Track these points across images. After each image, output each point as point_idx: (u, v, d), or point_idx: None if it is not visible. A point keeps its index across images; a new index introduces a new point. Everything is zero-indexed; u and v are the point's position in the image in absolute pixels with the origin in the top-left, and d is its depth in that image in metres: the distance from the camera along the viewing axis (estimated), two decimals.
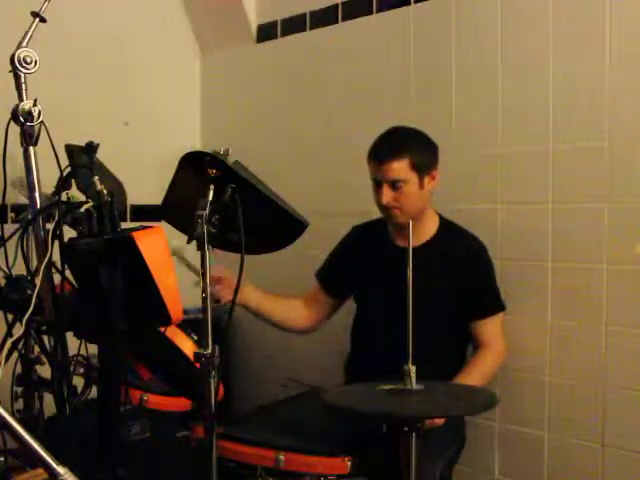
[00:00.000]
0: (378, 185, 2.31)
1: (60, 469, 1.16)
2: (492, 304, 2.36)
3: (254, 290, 2.38)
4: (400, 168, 2.26)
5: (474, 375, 2.23)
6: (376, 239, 2.48)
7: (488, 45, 2.55)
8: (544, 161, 2.42)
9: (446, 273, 2.31)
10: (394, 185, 2.27)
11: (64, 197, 1.70)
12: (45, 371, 1.99)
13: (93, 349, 1.81)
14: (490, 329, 2.35)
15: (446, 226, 2.41)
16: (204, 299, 1.62)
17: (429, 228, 2.38)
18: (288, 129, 3.23)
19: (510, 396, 2.46)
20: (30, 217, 1.68)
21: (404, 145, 2.30)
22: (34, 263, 1.72)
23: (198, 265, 1.66)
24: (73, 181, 1.81)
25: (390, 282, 2.30)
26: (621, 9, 2.24)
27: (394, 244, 2.42)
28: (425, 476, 1.97)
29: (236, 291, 1.68)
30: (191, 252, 1.72)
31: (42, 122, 1.60)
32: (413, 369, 1.67)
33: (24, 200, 1.79)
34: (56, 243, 1.65)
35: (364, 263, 2.48)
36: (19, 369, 2.04)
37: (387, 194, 2.28)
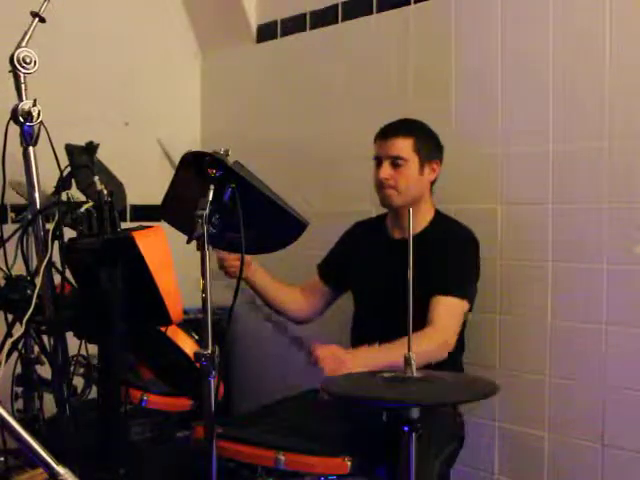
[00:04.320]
0: (378, 163, 2.35)
1: (60, 469, 1.16)
2: (449, 284, 2.25)
3: (261, 269, 2.43)
4: (403, 146, 2.31)
5: (394, 350, 1.99)
6: (374, 233, 2.51)
7: (488, 45, 2.55)
8: (544, 161, 2.42)
9: (432, 262, 2.27)
10: (394, 162, 2.31)
11: (64, 197, 1.70)
12: (45, 371, 1.99)
13: (93, 349, 1.81)
14: (440, 310, 2.21)
15: (440, 219, 2.41)
16: (204, 299, 1.62)
17: (422, 220, 2.38)
18: (288, 129, 3.23)
19: (510, 396, 2.46)
20: (30, 217, 1.69)
21: (412, 127, 2.36)
22: (34, 263, 1.72)
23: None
24: (73, 181, 1.81)
25: (383, 275, 2.31)
26: (621, 9, 2.24)
27: (390, 236, 2.44)
28: (423, 474, 1.97)
29: (236, 290, 1.67)
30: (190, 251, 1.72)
31: (42, 122, 1.60)
32: (413, 356, 1.66)
33: (24, 200, 1.79)
34: (56, 243, 1.65)
35: (361, 257, 2.50)
36: (19, 369, 2.04)
37: (386, 169, 2.32)
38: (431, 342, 2.15)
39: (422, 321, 2.20)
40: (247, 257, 2.25)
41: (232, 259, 2.29)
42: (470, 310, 2.33)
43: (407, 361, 1.66)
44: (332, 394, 1.76)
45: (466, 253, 2.35)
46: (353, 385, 1.76)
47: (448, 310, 2.23)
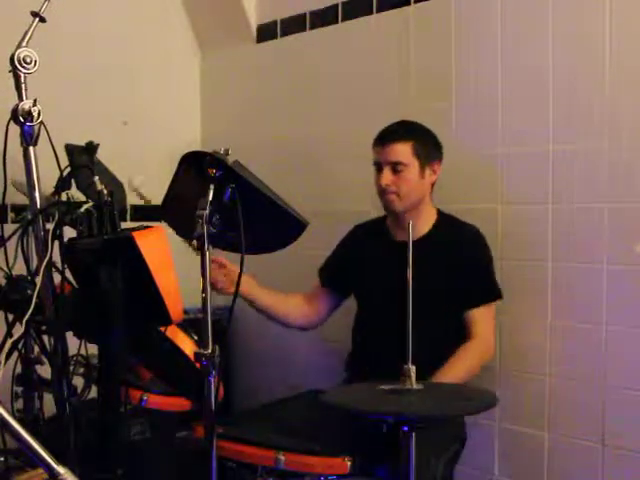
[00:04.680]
0: (379, 169, 2.34)
1: (60, 469, 1.16)
2: (485, 292, 2.34)
3: (255, 283, 2.40)
4: (403, 151, 2.30)
5: (458, 369, 2.21)
6: (376, 236, 2.50)
7: (488, 45, 2.55)
8: (544, 161, 2.42)
9: (443, 265, 2.30)
10: (395, 168, 2.31)
11: (64, 197, 1.70)
12: (45, 371, 1.99)
13: (93, 349, 1.81)
14: (481, 320, 2.31)
15: (444, 219, 2.42)
16: (204, 299, 1.62)
17: (426, 222, 2.39)
18: (288, 129, 3.23)
19: (510, 396, 2.46)
20: (30, 217, 1.68)
21: (409, 131, 2.35)
22: (34, 263, 1.72)
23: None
24: (73, 181, 1.81)
25: (388, 278, 2.31)
26: (621, 9, 2.24)
27: (392, 239, 2.44)
28: (425, 476, 1.97)
29: (237, 286, 1.67)
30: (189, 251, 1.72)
31: (42, 122, 1.60)
32: (413, 369, 1.66)
33: (24, 200, 1.79)
34: (56, 243, 1.65)
35: (364, 260, 2.49)
36: (19, 369, 2.04)
37: (387, 176, 2.31)
38: (480, 355, 2.29)
39: (433, 322, 2.21)
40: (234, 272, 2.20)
41: (217, 273, 2.22)
42: (501, 298, 2.39)
43: (406, 373, 1.66)
44: (333, 406, 1.76)
45: (486, 252, 2.37)
46: (353, 397, 1.76)
47: (484, 319, 2.32)
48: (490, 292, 2.35)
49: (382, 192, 2.34)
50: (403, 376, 1.68)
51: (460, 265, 2.31)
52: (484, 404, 1.75)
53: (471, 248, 2.35)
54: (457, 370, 2.20)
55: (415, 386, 1.67)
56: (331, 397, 1.80)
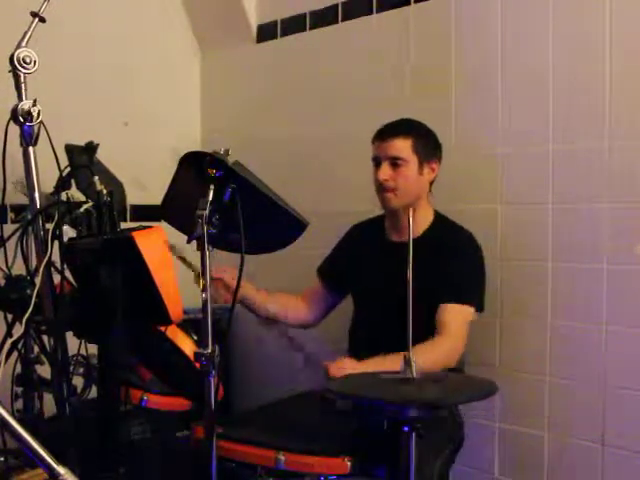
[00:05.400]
0: (377, 164, 2.33)
1: (60, 469, 1.16)
2: (459, 292, 2.24)
3: (250, 286, 2.39)
4: (402, 146, 2.29)
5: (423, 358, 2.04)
6: (372, 236, 2.50)
7: (488, 45, 2.55)
8: (544, 161, 2.42)
9: (435, 266, 2.27)
10: (394, 163, 2.30)
11: (64, 197, 1.70)
12: (45, 371, 1.99)
13: (93, 349, 1.81)
14: (451, 318, 2.20)
15: (440, 221, 2.40)
16: (204, 299, 1.62)
17: (422, 223, 2.37)
18: (288, 129, 3.23)
19: (510, 396, 2.46)
20: (30, 217, 1.69)
21: (410, 127, 2.34)
22: (34, 263, 1.72)
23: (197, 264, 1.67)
24: (73, 181, 1.82)
25: (383, 278, 2.31)
26: (621, 9, 2.24)
27: (388, 239, 2.43)
28: (422, 475, 1.97)
29: (236, 289, 1.67)
30: (190, 251, 1.72)
31: (42, 122, 1.60)
32: (413, 357, 1.66)
33: (24, 200, 1.79)
34: (56, 243, 1.65)
35: (360, 260, 2.49)
36: (19, 369, 2.04)
37: (385, 171, 2.30)
38: (440, 351, 2.16)
39: (423, 324, 2.20)
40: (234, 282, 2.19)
41: (219, 286, 2.23)
42: (481, 311, 2.32)
43: (407, 362, 1.66)
44: (333, 394, 1.76)
45: (471, 259, 2.34)
46: (353, 386, 1.76)
47: (456, 318, 2.22)
48: (461, 293, 2.25)
49: (380, 188, 2.33)
50: (404, 365, 1.68)
51: (447, 265, 2.27)
52: (484, 392, 1.74)
53: (461, 251, 2.32)
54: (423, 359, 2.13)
55: (415, 375, 1.67)
56: (333, 385, 1.79)
